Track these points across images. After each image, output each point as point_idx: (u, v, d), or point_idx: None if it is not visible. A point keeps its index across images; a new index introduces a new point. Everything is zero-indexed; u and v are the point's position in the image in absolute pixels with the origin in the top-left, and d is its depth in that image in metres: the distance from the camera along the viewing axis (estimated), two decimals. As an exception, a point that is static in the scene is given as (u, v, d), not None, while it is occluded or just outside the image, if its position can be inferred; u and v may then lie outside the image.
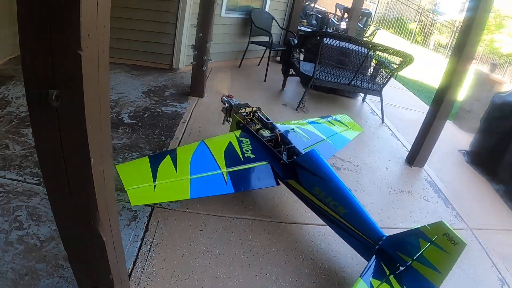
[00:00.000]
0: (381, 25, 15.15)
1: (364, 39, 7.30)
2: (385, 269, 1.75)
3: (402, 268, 1.75)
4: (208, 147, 2.12)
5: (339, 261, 2.04)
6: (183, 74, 4.58)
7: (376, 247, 1.81)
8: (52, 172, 0.96)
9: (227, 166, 2.04)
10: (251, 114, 2.65)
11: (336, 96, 5.15)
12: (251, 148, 2.25)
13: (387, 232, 1.85)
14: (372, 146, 3.74)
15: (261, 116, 2.63)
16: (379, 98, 4.58)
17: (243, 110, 2.61)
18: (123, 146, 2.71)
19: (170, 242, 1.89)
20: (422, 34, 16.43)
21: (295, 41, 4.49)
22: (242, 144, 2.26)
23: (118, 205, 2.04)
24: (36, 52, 0.79)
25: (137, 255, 1.76)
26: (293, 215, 2.34)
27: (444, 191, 3.15)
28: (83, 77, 0.80)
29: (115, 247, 1.18)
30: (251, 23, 5.13)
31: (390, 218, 2.55)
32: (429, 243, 1.64)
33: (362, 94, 5.21)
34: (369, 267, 1.73)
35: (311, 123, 2.93)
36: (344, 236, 1.95)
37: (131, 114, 3.27)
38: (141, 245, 1.83)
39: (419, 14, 16.83)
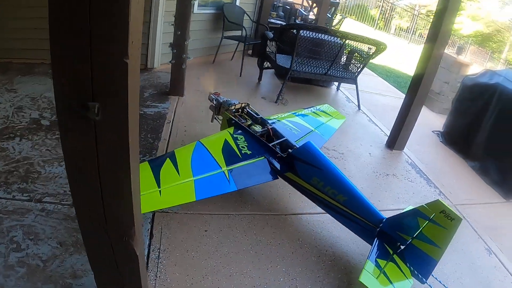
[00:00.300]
0: (344, 13, 15.47)
1: (332, 28, 7.44)
2: (388, 249, 1.85)
3: (403, 247, 1.87)
4: (205, 146, 2.11)
5: (341, 246, 2.13)
6: (159, 73, 4.47)
7: (377, 229, 1.91)
8: (83, 189, 0.91)
9: (227, 165, 2.05)
10: (240, 110, 2.66)
11: (312, 86, 5.25)
12: (246, 145, 2.26)
13: (381, 215, 1.95)
14: (353, 133, 3.87)
15: (251, 112, 2.65)
16: (352, 85, 4.73)
17: (232, 107, 2.61)
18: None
19: (177, 246, 1.88)
20: (383, 19, 16.99)
21: (271, 34, 4.50)
22: (237, 141, 2.27)
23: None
24: (72, 61, 0.72)
25: (147, 263, 1.73)
26: (291, 207, 2.40)
27: (425, 171, 3.33)
28: (128, 88, 0.74)
29: (142, 260, 1.16)
30: (223, 18, 5.07)
31: (381, 201, 2.68)
32: (427, 221, 1.75)
33: (336, 83, 5.35)
34: (373, 249, 1.83)
35: (298, 115, 2.98)
36: (345, 222, 2.03)
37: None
38: (149, 252, 1.80)
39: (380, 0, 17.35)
